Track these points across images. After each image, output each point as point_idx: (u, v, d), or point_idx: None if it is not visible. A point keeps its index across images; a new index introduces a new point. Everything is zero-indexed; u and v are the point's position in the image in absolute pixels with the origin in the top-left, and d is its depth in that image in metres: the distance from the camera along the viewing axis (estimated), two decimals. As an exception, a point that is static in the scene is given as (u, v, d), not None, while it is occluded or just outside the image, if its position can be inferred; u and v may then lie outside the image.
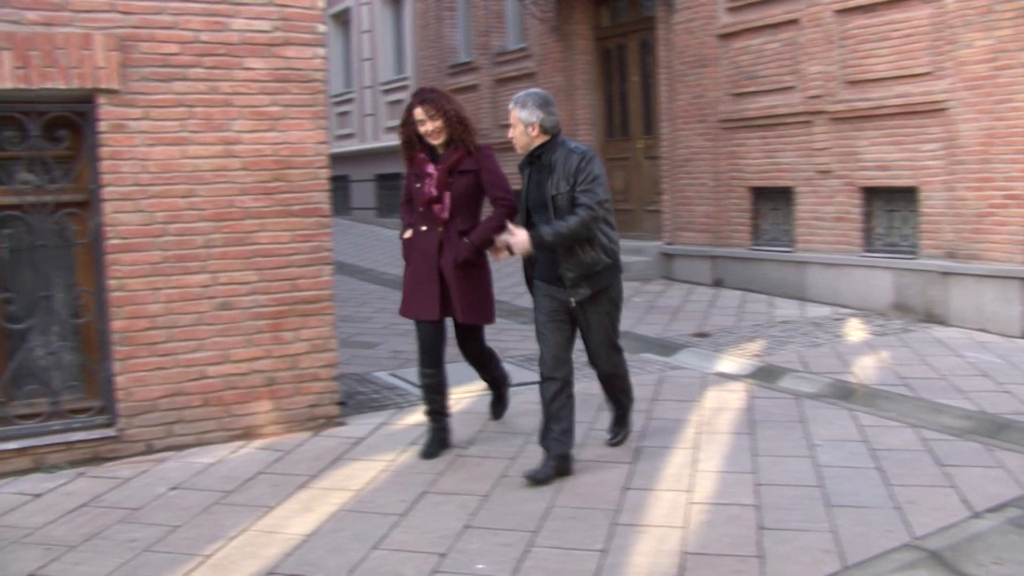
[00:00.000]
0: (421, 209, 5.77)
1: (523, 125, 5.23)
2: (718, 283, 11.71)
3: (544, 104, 5.23)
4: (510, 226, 5.27)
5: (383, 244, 16.88)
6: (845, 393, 6.91)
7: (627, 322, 9.54)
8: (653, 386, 7.23)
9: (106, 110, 5.71)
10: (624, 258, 12.39)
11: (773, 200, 11.15)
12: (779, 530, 4.50)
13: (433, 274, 5.73)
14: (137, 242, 5.79)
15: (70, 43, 5.59)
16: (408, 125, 5.77)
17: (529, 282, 5.58)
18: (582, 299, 5.31)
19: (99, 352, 5.88)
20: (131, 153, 5.76)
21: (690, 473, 5.32)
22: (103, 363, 5.86)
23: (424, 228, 5.76)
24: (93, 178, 5.79)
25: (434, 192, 5.69)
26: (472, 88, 16.32)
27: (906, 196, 9.62)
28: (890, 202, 9.86)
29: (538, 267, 5.45)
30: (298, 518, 4.84)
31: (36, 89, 5.57)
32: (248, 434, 6.10)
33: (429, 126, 5.64)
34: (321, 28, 6.26)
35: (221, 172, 5.96)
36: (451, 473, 5.44)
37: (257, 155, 6.04)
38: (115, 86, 5.70)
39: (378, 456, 5.74)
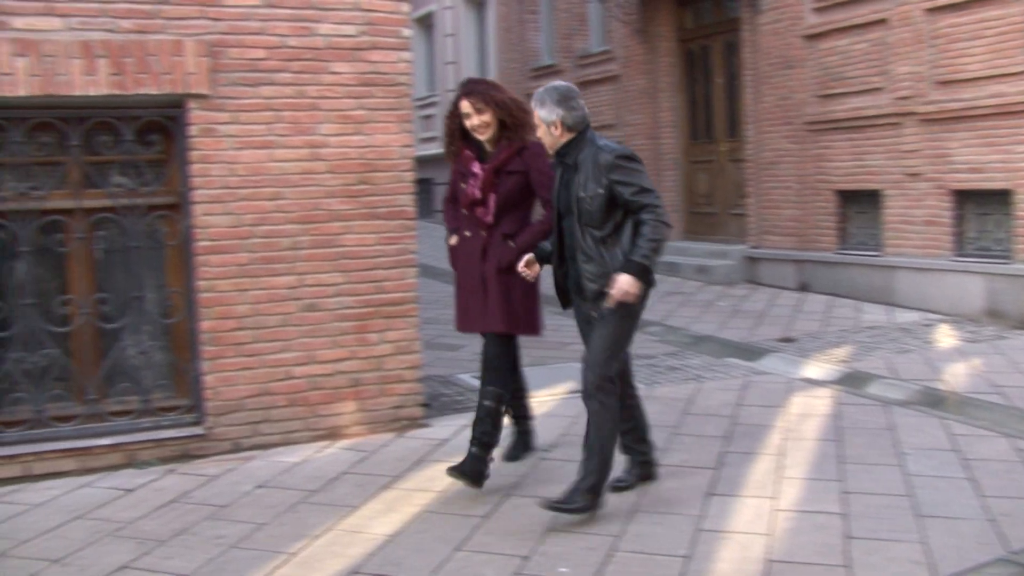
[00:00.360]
0: (465, 212, 5.39)
1: (545, 124, 4.80)
2: (803, 287, 11.55)
3: (565, 99, 4.76)
4: (616, 277, 4.64)
5: (466, 247, 16.95)
6: (935, 401, 6.76)
7: (711, 326, 9.51)
8: (737, 391, 7.14)
9: (196, 115, 5.82)
10: (708, 261, 12.49)
11: (860, 203, 10.96)
12: (867, 539, 4.41)
13: (478, 283, 5.33)
14: (226, 244, 5.90)
15: (162, 50, 5.72)
16: (454, 117, 5.37)
17: (560, 291, 5.05)
18: (607, 313, 4.78)
19: (188, 352, 5.99)
20: (220, 157, 5.86)
21: (775, 480, 5.25)
22: (192, 362, 5.98)
23: (468, 234, 5.37)
24: (183, 181, 5.90)
25: (477, 194, 5.28)
26: (555, 91, 16.30)
27: (999, 199, 9.39)
28: (983, 205, 9.64)
29: (569, 276, 4.96)
30: (382, 518, 4.87)
31: (130, 95, 5.70)
32: (333, 434, 6.16)
33: (476, 120, 5.22)
34: (406, 32, 6.31)
35: (308, 175, 6.04)
36: (534, 476, 5.44)
37: (343, 158, 6.11)
38: (205, 91, 5.81)
39: (461, 458, 5.74)
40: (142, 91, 5.71)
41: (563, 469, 5.47)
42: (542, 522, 4.71)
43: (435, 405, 6.85)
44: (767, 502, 4.92)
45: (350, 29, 6.11)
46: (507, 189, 5.26)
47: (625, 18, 14.16)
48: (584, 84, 15.48)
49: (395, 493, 5.24)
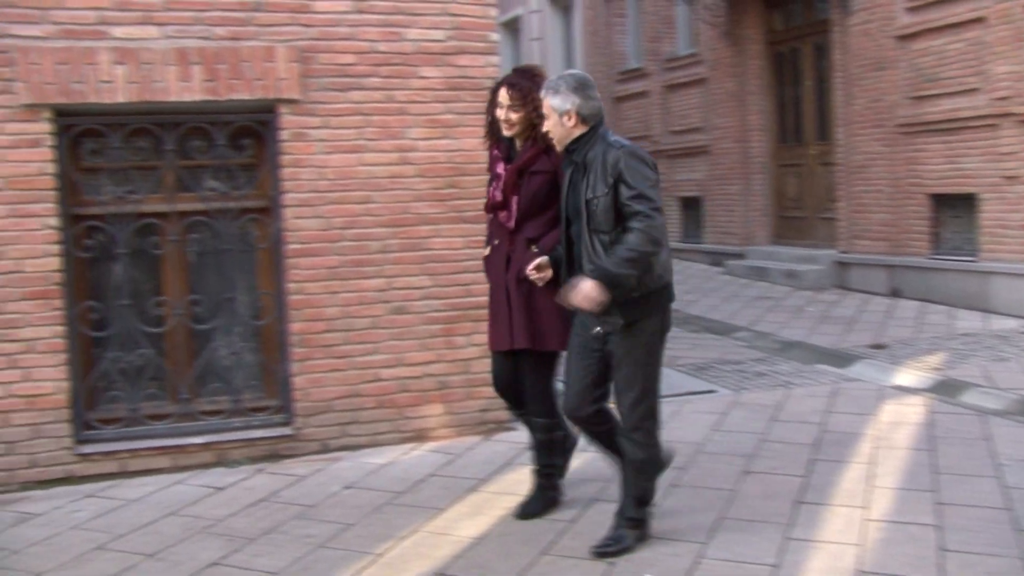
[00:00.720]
0: (491, 217, 5.01)
1: (557, 114, 4.31)
2: (895, 293, 11.32)
3: (581, 87, 4.32)
4: (577, 282, 4.19)
5: (551, 250, 16.97)
6: (1034, 411, 6.59)
7: (800, 332, 9.37)
8: (827, 398, 7.03)
9: (287, 119, 5.91)
10: (797, 266, 12.32)
11: (955, 207, 10.71)
12: (963, 553, 4.30)
13: (503, 295, 4.83)
14: (316, 247, 5.97)
15: (255, 56, 5.82)
16: (493, 107, 4.90)
17: None
18: (612, 330, 4.33)
19: (278, 353, 6.08)
20: (310, 161, 5.95)
21: (866, 489, 5.15)
22: (282, 364, 6.06)
23: (496, 242, 4.89)
24: (274, 185, 6.00)
25: (499, 197, 4.83)
26: (642, 95, 16.26)
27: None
28: (1084, 209, 9.37)
29: None
30: (468, 521, 4.89)
31: (223, 100, 5.81)
32: (420, 436, 6.20)
33: (507, 114, 4.74)
34: (493, 37, 6.34)
35: (397, 179, 6.10)
36: (613, 482, 5.39)
37: (431, 162, 6.15)
38: (296, 96, 5.89)
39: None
40: (235, 97, 5.82)
41: (649, 474, 5.43)
42: (628, 527, 4.68)
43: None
44: (858, 511, 4.83)
45: (438, 34, 6.15)
46: (531, 191, 4.74)
47: (713, 20, 14.04)
48: (671, 87, 15.42)
49: (481, 496, 5.26)
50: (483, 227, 6.15)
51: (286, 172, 5.93)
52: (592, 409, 4.52)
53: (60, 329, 5.68)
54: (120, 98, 5.66)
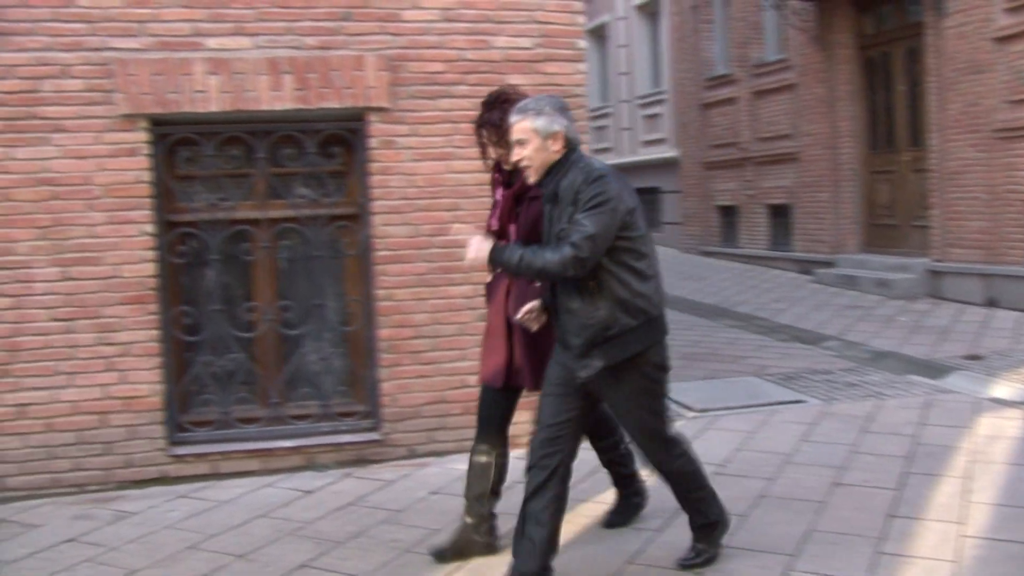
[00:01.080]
0: None
1: (541, 138, 3.91)
2: (991, 303, 11.04)
3: (565, 109, 4.00)
4: (478, 239, 3.99)
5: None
6: None
7: (891, 342, 9.19)
8: (920, 409, 6.88)
9: (376, 127, 5.97)
10: (888, 275, 12.09)
11: (1055, 215, 10.43)
12: (1063, 569, 4.18)
13: (500, 328, 4.51)
14: (404, 254, 6.03)
15: (344, 65, 5.89)
16: (482, 135, 4.59)
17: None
18: (594, 374, 3.95)
19: (366, 359, 6.14)
20: (399, 168, 6.00)
21: (961, 504, 5.02)
22: (370, 370, 6.12)
23: (499, 270, 4.36)
24: (363, 192, 6.06)
25: (495, 225, 4.51)
26: (730, 101, 16.11)
27: None
28: None
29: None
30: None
31: (313, 109, 5.90)
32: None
33: (514, 153, 4.11)
34: (581, 44, 6.33)
35: (485, 186, 6.08)
36: (706, 490, 5.34)
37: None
38: (385, 104, 5.95)
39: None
40: (325, 105, 5.90)
41: (740, 484, 5.38)
42: (715, 538, 4.63)
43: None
44: (953, 527, 4.70)
45: (526, 42, 6.16)
46: (530, 217, 4.35)
47: (802, 25, 13.87)
48: (760, 94, 15.25)
49: (568, 504, 5.23)
50: (570, 234, 6.15)
51: (375, 180, 5.99)
52: (561, 459, 4.11)
53: (155, 333, 5.82)
54: (214, 107, 5.78)
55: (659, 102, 18.79)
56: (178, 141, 5.93)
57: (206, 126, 5.91)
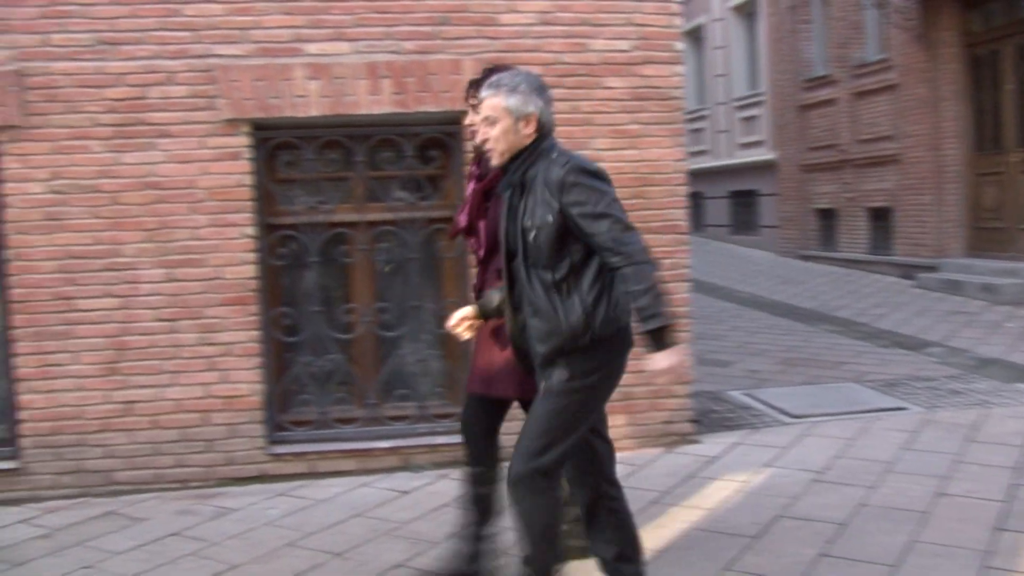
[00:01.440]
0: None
1: (512, 118, 3.49)
2: (1103, 308, 10.69)
3: (543, 89, 3.58)
4: (661, 356, 3.45)
5: (737, 262, 16.76)
6: None
7: (998, 348, 8.95)
8: (1028, 418, 6.69)
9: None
10: (995, 280, 11.78)
11: None
12: None
13: (483, 334, 4.14)
14: (499, 256, 6.03)
15: (442, 69, 5.94)
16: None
17: (519, 353, 3.75)
18: (557, 385, 3.52)
19: (463, 361, 6.17)
20: (496, 171, 6.01)
21: (1074, 516, 4.86)
22: (465, 372, 6.14)
23: (476, 269, 4.20)
24: (460, 195, 6.09)
25: (463, 222, 4.17)
26: (829, 103, 15.85)
27: None
28: None
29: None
30: (649, 533, 4.83)
31: (411, 113, 5.96)
32: (600, 446, 6.18)
33: (473, 119, 4.03)
34: (679, 46, 6.29)
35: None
36: (806, 499, 5.26)
37: (616, 172, 6.05)
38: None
39: (731, 476, 5.65)
40: (422, 109, 5.95)
41: (839, 492, 5.28)
42: (814, 546, 4.56)
43: (705, 421, 6.76)
44: (1065, 540, 4.56)
45: (623, 44, 6.14)
46: (500, 214, 3.82)
47: (905, 24, 13.57)
48: (860, 94, 14.98)
49: (663, 508, 5.21)
50: (669, 238, 6.17)
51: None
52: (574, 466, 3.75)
53: (255, 334, 5.92)
54: (313, 112, 5.87)
55: (756, 104, 18.58)
56: (279, 145, 6.04)
57: (306, 130, 6.01)
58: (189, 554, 4.88)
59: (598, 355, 3.52)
